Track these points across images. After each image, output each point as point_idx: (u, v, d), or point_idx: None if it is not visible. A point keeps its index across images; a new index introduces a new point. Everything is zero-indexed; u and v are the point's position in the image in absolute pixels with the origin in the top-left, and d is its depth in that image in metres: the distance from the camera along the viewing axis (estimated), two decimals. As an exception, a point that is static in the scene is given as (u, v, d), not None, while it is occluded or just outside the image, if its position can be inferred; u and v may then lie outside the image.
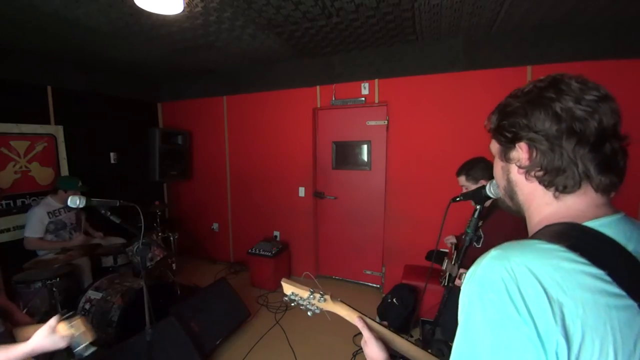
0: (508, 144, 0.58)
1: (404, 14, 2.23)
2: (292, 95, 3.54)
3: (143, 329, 1.58)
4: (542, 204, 0.56)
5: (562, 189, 0.53)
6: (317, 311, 0.88)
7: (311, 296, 0.86)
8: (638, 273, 0.45)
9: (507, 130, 0.57)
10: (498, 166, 0.64)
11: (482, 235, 1.67)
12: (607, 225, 0.49)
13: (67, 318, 1.05)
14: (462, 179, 1.78)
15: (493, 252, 0.49)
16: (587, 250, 0.45)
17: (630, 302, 0.42)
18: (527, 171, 0.56)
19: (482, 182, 1.69)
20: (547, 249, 0.46)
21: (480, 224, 1.66)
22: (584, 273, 0.43)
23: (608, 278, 0.43)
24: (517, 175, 0.59)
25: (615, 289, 0.42)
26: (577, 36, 2.41)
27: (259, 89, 3.71)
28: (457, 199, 1.29)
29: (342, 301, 0.88)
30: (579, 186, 0.52)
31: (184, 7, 2.02)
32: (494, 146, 0.64)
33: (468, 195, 1.24)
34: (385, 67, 3.06)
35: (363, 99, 3.21)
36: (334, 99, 3.33)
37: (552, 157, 0.52)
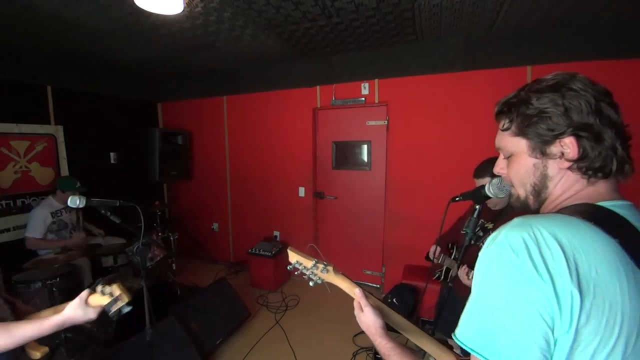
0: (547, 141, 0.58)
1: (404, 14, 2.23)
2: (292, 95, 3.54)
3: (143, 329, 1.58)
4: (571, 192, 0.58)
5: (604, 176, 0.55)
6: (319, 281, 0.91)
7: (314, 266, 0.89)
8: None
9: (547, 129, 0.57)
10: (525, 164, 0.62)
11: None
12: (620, 207, 0.53)
13: (101, 285, 1.07)
14: (487, 180, 1.69)
15: (515, 220, 0.51)
16: (601, 222, 0.48)
17: (638, 272, 0.46)
18: (574, 163, 0.56)
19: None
20: (566, 218, 0.50)
21: (490, 226, 1.63)
22: (599, 240, 0.46)
23: (620, 247, 0.46)
24: (556, 170, 0.59)
25: (626, 258, 0.46)
26: (577, 36, 2.41)
27: (259, 89, 3.71)
28: (457, 198, 1.29)
29: (343, 274, 0.90)
30: (621, 170, 0.55)
31: (184, 7, 2.02)
32: (515, 144, 0.62)
33: (468, 195, 1.24)
34: (385, 67, 3.06)
35: (363, 99, 3.21)
36: (334, 99, 3.33)
37: (599, 147, 0.54)
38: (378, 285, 3.48)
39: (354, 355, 2.39)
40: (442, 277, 1.81)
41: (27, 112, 2.98)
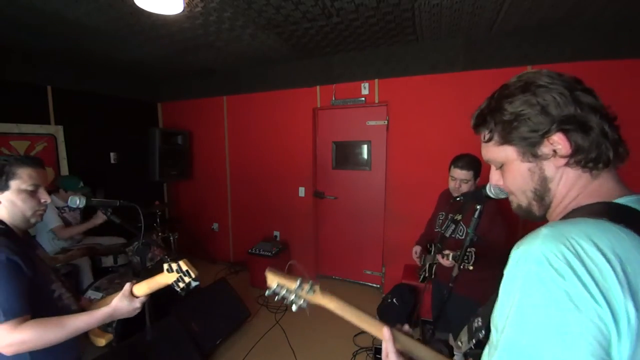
0: (534, 143, 0.55)
1: (404, 14, 2.23)
2: (292, 95, 3.54)
3: (143, 329, 1.58)
4: (577, 189, 0.55)
5: (606, 163, 0.53)
6: (304, 305, 0.81)
7: (299, 287, 0.80)
8: None
9: (530, 132, 0.55)
10: (521, 171, 0.59)
11: (464, 227, 1.67)
12: (635, 202, 0.50)
13: (168, 263, 1.10)
14: (469, 174, 1.70)
15: (544, 231, 0.46)
16: (629, 222, 0.45)
17: None
18: (570, 159, 0.54)
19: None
20: (598, 223, 0.45)
21: (459, 217, 1.62)
22: (635, 243, 0.42)
23: None
24: (553, 170, 0.56)
25: None
26: (577, 36, 2.41)
27: (259, 89, 3.71)
28: (458, 198, 1.29)
29: (331, 293, 0.81)
30: (615, 156, 0.53)
31: (184, 7, 2.02)
32: (504, 153, 0.60)
33: (468, 196, 1.24)
34: (385, 67, 3.06)
35: (363, 99, 3.21)
36: (334, 99, 3.33)
37: (589, 136, 0.52)
38: (378, 285, 3.48)
39: (354, 355, 2.39)
40: (427, 274, 1.83)
41: (27, 112, 2.98)
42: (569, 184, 0.56)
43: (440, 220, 1.91)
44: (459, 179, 1.72)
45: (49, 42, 2.69)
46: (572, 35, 2.42)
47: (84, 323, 1.00)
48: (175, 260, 1.07)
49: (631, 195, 0.52)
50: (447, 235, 1.66)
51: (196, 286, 1.09)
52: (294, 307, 0.81)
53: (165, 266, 1.09)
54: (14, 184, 1.05)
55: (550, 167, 0.56)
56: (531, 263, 0.43)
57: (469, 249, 1.38)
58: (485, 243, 1.51)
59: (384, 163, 3.25)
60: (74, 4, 2.02)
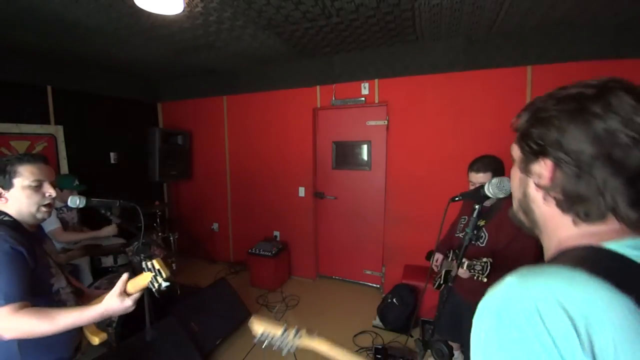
0: (531, 155, 0.51)
1: (404, 14, 2.23)
2: (292, 95, 3.54)
3: (143, 329, 1.58)
4: (559, 226, 0.50)
5: (584, 218, 0.47)
6: (293, 350, 0.82)
7: (285, 333, 0.81)
8: None
9: (533, 141, 0.50)
10: (516, 175, 0.57)
11: (486, 235, 1.64)
12: (632, 247, 0.43)
13: (145, 260, 1.07)
14: (484, 176, 1.61)
15: (510, 280, 0.43)
16: (610, 274, 0.40)
17: None
18: (546, 191, 0.50)
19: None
20: (570, 276, 0.41)
21: (483, 222, 1.62)
22: (612, 301, 0.38)
23: (634, 306, 0.37)
24: (534, 192, 0.52)
25: None
26: (577, 36, 2.41)
27: (259, 89, 3.71)
28: (456, 198, 1.29)
29: (319, 336, 0.82)
30: (603, 217, 0.46)
31: (184, 7, 2.02)
32: (516, 151, 0.56)
33: (467, 195, 1.24)
34: (385, 67, 3.06)
35: (363, 99, 3.21)
36: (334, 99, 3.33)
37: (576, 184, 0.45)
38: (378, 285, 3.48)
39: (354, 355, 2.39)
40: (443, 282, 1.79)
41: (27, 112, 2.98)
42: (548, 216, 0.52)
43: (462, 225, 1.82)
44: (478, 183, 1.61)
45: (49, 42, 2.69)
46: (572, 35, 2.42)
47: (73, 319, 1.01)
48: (150, 259, 1.06)
49: (629, 239, 0.44)
50: (472, 240, 1.61)
51: (167, 287, 1.04)
52: (283, 353, 0.81)
53: (143, 264, 1.08)
54: (17, 181, 1.10)
55: (533, 187, 0.52)
56: (492, 316, 0.42)
57: (484, 260, 1.35)
58: (509, 253, 1.47)
59: (384, 163, 3.25)
60: (74, 4, 2.02)
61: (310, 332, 0.79)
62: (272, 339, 0.81)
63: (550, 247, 0.53)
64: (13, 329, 0.96)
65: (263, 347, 0.80)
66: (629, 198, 0.43)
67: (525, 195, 0.55)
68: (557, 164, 0.47)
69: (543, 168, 0.49)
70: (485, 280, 1.33)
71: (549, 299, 0.39)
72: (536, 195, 0.52)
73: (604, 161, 0.43)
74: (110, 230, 2.71)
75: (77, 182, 2.73)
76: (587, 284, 0.39)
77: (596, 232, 0.47)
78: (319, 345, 0.79)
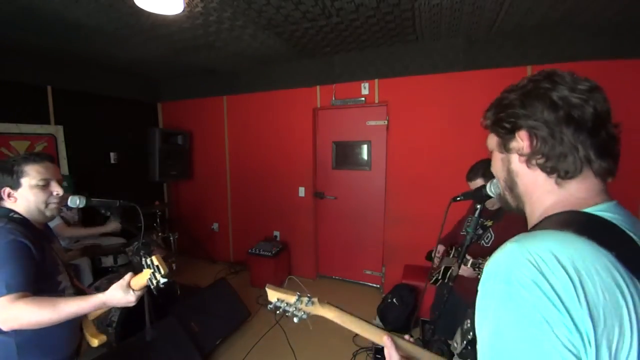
0: (507, 134, 0.59)
1: (404, 14, 2.23)
2: (292, 95, 3.54)
3: (143, 329, 1.58)
4: (543, 193, 0.57)
5: (565, 175, 0.53)
6: (304, 317, 0.85)
7: (298, 301, 0.83)
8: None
9: (505, 121, 0.58)
10: (497, 159, 0.64)
11: (493, 235, 1.64)
12: (607, 210, 0.50)
13: (145, 257, 1.07)
14: (479, 182, 1.64)
15: (509, 245, 0.48)
16: (594, 234, 0.45)
17: (638, 283, 0.43)
18: (529, 159, 0.56)
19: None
20: (561, 236, 0.47)
21: (490, 223, 1.62)
22: (597, 256, 0.43)
23: (615, 260, 0.43)
24: (518, 165, 0.59)
25: (624, 271, 0.43)
26: (577, 36, 2.41)
27: (259, 89, 3.71)
28: (458, 198, 1.29)
29: (329, 303, 0.84)
30: (580, 171, 0.53)
31: (184, 7, 2.02)
32: (492, 140, 0.64)
33: (469, 195, 1.23)
34: (385, 67, 3.06)
35: (363, 99, 3.21)
36: (334, 99, 3.33)
37: (553, 143, 0.53)
38: (378, 285, 3.48)
39: (354, 355, 2.39)
40: (440, 278, 1.80)
41: (27, 112, 2.98)
42: (531, 185, 0.58)
43: (468, 224, 1.82)
44: None
45: (49, 42, 2.69)
46: (572, 35, 2.42)
47: (77, 306, 1.01)
48: (150, 255, 1.06)
49: (604, 203, 0.52)
50: (473, 240, 1.61)
51: (165, 283, 1.04)
52: (295, 320, 0.85)
53: (143, 261, 1.08)
54: (24, 181, 1.13)
55: (515, 161, 0.59)
56: (500, 282, 0.46)
57: (482, 259, 1.36)
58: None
59: (384, 163, 3.25)
60: (74, 4, 2.02)
61: (322, 301, 0.83)
62: (285, 305, 0.84)
63: (534, 216, 0.59)
64: (12, 319, 0.95)
65: (277, 313, 0.86)
66: (595, 148, 0.51)
67: (509, 172, 0.61)
68: (531, 132, 0.54)
69: (520, 140, 0.56)
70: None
71: (547, 257, 0.44)
72: (520, 168, 0.59)
73: (567, 121, 0.51)
74: (114, 226, 2.69)
75: (65, 184, 2.72)
76: (576, 243, 0.45)
77: (577, 196, 0.53)
78: (329, 312, 0.82)
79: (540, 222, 0.55)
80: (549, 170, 0.54)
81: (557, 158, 0.53)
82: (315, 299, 0.83)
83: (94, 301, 1.04)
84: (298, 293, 0.84)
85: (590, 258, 0.43)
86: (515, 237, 0.49)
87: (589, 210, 0.51)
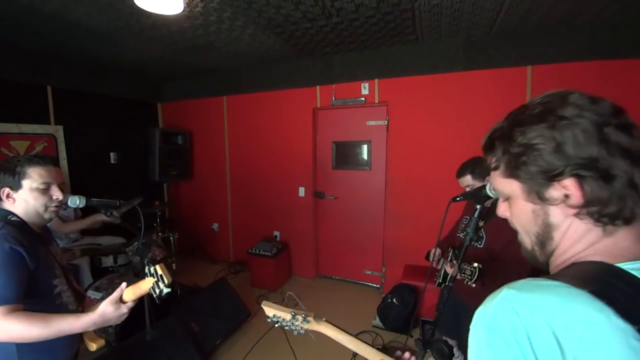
0: (543, 183, 0.47)
1: (404, 14, 2.23)
2: (292, 95, 3.54)
3: (143, 329, 1.58)
4: (585, 244, 0.46)
5: (626, 222, 0.43)
6: (302, 332, 0.86)
7: (293, 319, 0.84)
8: None
9: (540, 169, 0.46)
10: (525, 211, 0.51)
11: (484, 236, 1.65)
12: None
13: (149, 265, 1.06)
14: (468, 179, 1.68)
15: (505, 292, 0.42)
16: (616, 299, 0.37)
17: None
18: (580, 210, 0.45)
19: (488, 179, 1.67)
20: (569, 294, 0.39)
21: (482, 223, 1.63)
22: (610, 328, 0.35)
23: (638, 335, 0.34)
24: (560, 218, 0.47)
25: None
26: (577, 36, 2.41)
27: (259, 89, 3.71)
28: (457, 198, 1.29)
29: (327, 321, 0.85)
30: (635, 216, 0.43)
31: (184, 7, 2.02)
32: (511, 186, 0.52)
33: (468, 195, 1.24)
34: (385, 67, 3.06)
35: (363, 99, 3.21)
36: (334, 99, 3.33)
37: (609, 186, 0.42)
38: (378, 285, 3.48)
39: (354, 355, 2.39)
40: (442, 281, 1.80)
41: (27, 112, 2.98)
42: (575, 237, 0.47)
43: (463, 225, 1.84)
44: (464, 187, 1.70)
45: (49, 42, 2.69)
46: (572, 35, 2.41)
47: (69, 326, 0.99)
48: (154, 264, 1.06)
49: None
50: (473, 241, 1.62)
51: (167, 293, 1.03)
52: (295, 333, 0.86)
53: (146, 269, 1.07)
54: (26, 183, 1.11)
55: (556, 214, 0.48)
56: (482, 326, 0.43)
57: (475, 265, 1.36)
58: (506, 256, 1.46)
59: (384, 163, 3.25)
60: (74, 4, 2.02)
61: (318, 317, 0.83)
62: (282, 321, 0.85)
63: (557, 261, 0.50)
64: (3, 332, 0.94)
65: (276, 326, 0.86)
66: None
67: (546, 227, 0.49)
68: (581, 177, 0.43)
69: (565, 189, 0.45)
70: (473, 285, 1.34)
71: (539, 321, 0.38)
72: (563, 221, 0.47)
73: (621, 153, 0.42)
74: (99, 217, 2.65)
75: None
76: (586, 308, 0.37)
77: (613, 248, 0.44)
78: (326, 329, 0.83)
79: (561, 270, 0.47)
80: (606, 219, 0.44)
81: (620, 202, 0.42)
82: (310, 317, 0.83)
83: (85, 321, 1.01)
84: (293, 311, 0.84)
85: (599, 332, 0.35)
86: (516, 284, 0.43)
87: (624, 265, 0.41)
